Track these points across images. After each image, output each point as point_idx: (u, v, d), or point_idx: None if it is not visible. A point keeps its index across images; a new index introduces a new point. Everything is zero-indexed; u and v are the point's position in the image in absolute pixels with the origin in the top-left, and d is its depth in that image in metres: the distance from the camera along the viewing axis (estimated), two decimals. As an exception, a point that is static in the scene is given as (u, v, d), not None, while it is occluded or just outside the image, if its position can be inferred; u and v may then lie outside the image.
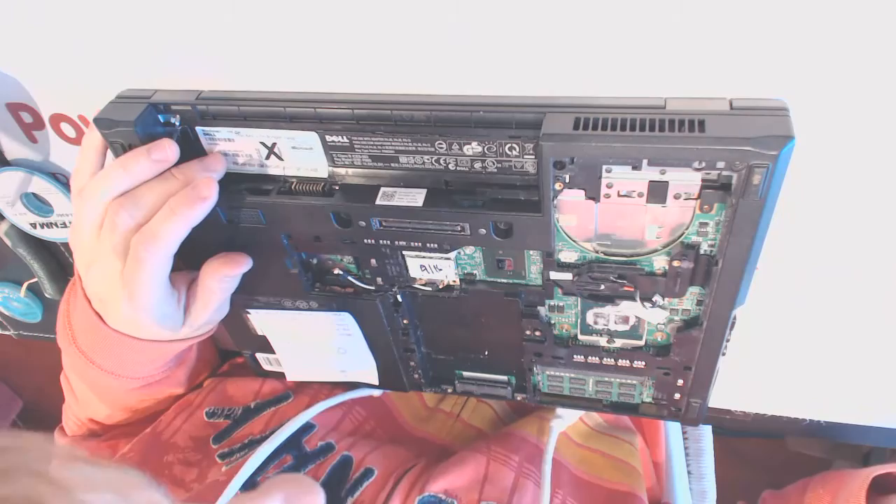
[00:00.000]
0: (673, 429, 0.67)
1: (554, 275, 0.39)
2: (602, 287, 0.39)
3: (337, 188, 0.38)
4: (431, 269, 0.41)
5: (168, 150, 0.35)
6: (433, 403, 0.54)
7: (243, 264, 0.41)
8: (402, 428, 0.52)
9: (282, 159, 0.38)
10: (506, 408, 0.58)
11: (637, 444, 0.55)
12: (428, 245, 0.38)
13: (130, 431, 0.55)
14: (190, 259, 0.43)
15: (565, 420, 0.51)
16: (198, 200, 0.35)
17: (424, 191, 0.36)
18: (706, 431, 0.67)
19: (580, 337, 0.44)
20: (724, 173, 0.31)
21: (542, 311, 0.42)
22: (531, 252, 0.39)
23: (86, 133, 0.38)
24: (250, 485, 0.42)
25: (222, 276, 0.40)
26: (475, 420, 0.54)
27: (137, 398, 0.49)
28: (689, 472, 0.66)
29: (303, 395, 0.50)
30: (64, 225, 0.51)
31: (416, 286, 0.42)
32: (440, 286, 0.42)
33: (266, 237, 0.40)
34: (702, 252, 0.35)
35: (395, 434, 0.52)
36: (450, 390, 0.50)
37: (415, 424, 0.52)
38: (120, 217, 0.35)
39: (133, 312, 0.38)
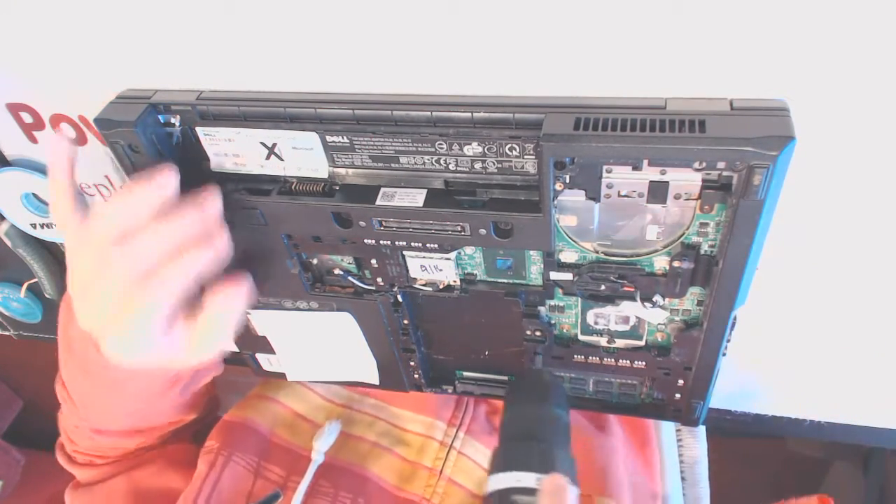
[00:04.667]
0: (667, 435, 0.67)
1: (554, 275, 0.39)
2: (602, 287, 0.39)
3: (337, 188, 0.38)
4: (432, 269, 0.41)
5: (168, 177, 0.34)
6: (413, 457, 0.52)
7: (245, 279, 0.38)
8: (390, 494, 0.50)
9: (282, 159, 0.38)
10: None
11: None
12: (428, 245, 0.38)
13: (136, 461, 0.55)
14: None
15: None
16: (210, 249, 0.35)
17: (425, 191, 0.36)
18: (701, 438, 0.67)
19: (580, 337, 0.44)
20: (725, 173, 0.31)
21: (543, 311, 0.42)
22: (531, 252, 0.39)
23: (51, 142, 0.35)
24: None
25: (230, 297, 0.37)
26: (459, 477, 0.51)
27: (135, 396, 0.47)
28: (683, 479, 0.66)
29: (290, 490, 0.49)
30: (64, 225, 0.51)
31: (417, 286, 0.42)
32: (440, 286, 0.42)
33: (266, 237, 0.40)
34: (702, 252, 0.35)
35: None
36: (450, 390, 0.50)
37: (398, 485, 0.50)
38: (121, 265, 0.33)
39: (120, 349, 0.37)
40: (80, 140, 0.44)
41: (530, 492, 0.36)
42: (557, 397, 0.41)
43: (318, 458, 0.50)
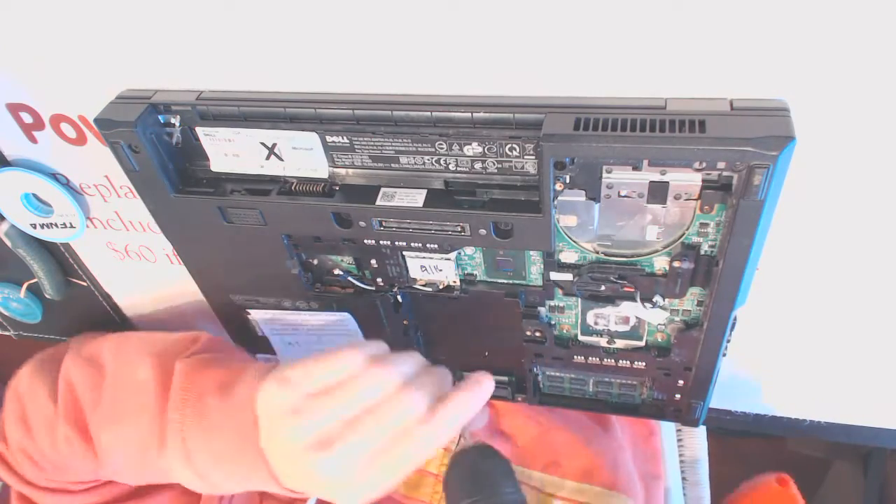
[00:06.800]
0: (668, 436, 0.67)
1: (554, 275, 0.39)
2: (602, 288, 0.39)
3: (337, 188, 0.38)
4: (432, 269, 0.41)
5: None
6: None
7: None
8: (398, 501, 0.50)
9: (282, 160, 0.38)
10: None
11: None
12: (428, 245, 0.38)
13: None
14: (193, 259, 0.43)
15: None
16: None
17: (425, 191, 0.36)
18: (701, 440, 0.67)
19: (580, 337, 0.44)
20: (725, 174, 0.31)
21: (543, 311, 0.42)
22: (531, 252, 0.39)
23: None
24: None
25: None
26: None
27: None
28: (683, 479, 0.66)
29: (298, 501, 0.47)
30: (64, 225, 0.51)
31: (417, 287, 0.42)
32: (440, 286, 0.42)
33: (266, 237, 0.40)
34: (702, 252, 0.35)
35: None
36: (450, 390, 0.50)
37: (406, 493, 0.50)
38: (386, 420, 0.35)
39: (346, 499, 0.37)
40: (80, 140, 0.44)
41: None
42: (494, 481, 0.36)
43: None
